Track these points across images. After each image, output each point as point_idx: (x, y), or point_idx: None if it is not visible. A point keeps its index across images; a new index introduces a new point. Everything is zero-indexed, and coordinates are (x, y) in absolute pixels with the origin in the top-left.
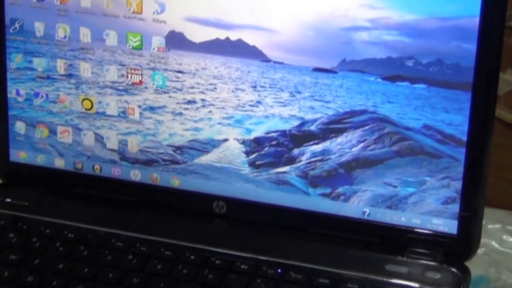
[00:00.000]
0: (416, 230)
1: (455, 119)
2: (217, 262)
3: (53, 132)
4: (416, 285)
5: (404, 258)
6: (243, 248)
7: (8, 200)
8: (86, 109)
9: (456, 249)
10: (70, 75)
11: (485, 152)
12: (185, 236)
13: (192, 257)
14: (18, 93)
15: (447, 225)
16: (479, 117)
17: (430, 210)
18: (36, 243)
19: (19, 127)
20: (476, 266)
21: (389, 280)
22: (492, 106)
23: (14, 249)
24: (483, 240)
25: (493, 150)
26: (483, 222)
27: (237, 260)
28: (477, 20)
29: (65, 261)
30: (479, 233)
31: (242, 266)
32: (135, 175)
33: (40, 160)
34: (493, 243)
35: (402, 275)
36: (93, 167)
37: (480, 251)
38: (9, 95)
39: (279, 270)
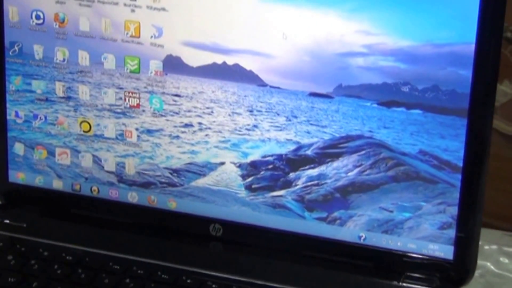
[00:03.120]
0: (412, 255)
1: (451, 145)
2: (213, 286)
3: (51, 153)
4: None
5: (400, 283)
6: (239, 272)
7: (7, 221)
8: (84, 131)
9: (452, 274)
10: (68, 98)
11: (481, 178)
12: (181, 259)
13: (188, 280)
14: (17, 115)
15: (443, 251)
16: (475, 143)
17: (426, 235)
18: (34, 265)
19: (18, 148)
20: None
21: None
22: (488, 132)
23: (13, 271)
24: (479, 262)
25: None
26: (480, 243)
27: (234, 284)
28: (472, 47)
29: (63, 284)
30: (475, 259)
31: None
32: (133, 197)
33: (38, 181)
34: (489, 264)
35: None
36: (91, 188)
37: (476, 273)
38: (8, 117)
39: None
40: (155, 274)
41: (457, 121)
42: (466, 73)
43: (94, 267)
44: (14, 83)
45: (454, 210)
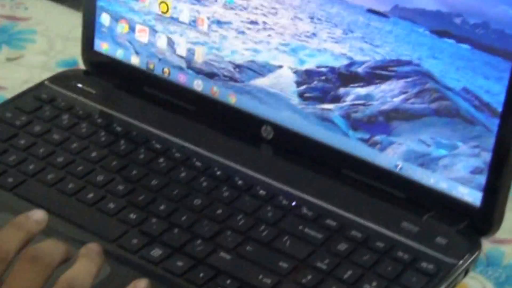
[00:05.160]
0: (441, 193)
1: (493, 87)
2: (239, 182)
3: (132, 29)
4: (420, 247)
5: (423, 218)
6: (271, 174)
7: (80, 85)
8: (162, 12)
9: (476, 222)
10: None
11: None
12: (222, 151)
13: (218, 172)
14: None
15: (472, 196)
16: None
17: (458, 176)
18: (82, 128)
19: (104, 18)
20: None
21: (396, 237)
22: None
23: (61, 129)
24: None
25: None
26: None
27: (259, 184)
28: None
29: (101, 150)
30: (502, 210)
31: (260, 192)
32: (198, 85)
33: (119, 54)
34: None
35: (411, 234)
36: (163, 70)
37: None
38: None
39: (293, 203)
40: (189, 160)
41: (502, 64)
42: None
43: (136, 141)
44: None
45: (487, 156)
